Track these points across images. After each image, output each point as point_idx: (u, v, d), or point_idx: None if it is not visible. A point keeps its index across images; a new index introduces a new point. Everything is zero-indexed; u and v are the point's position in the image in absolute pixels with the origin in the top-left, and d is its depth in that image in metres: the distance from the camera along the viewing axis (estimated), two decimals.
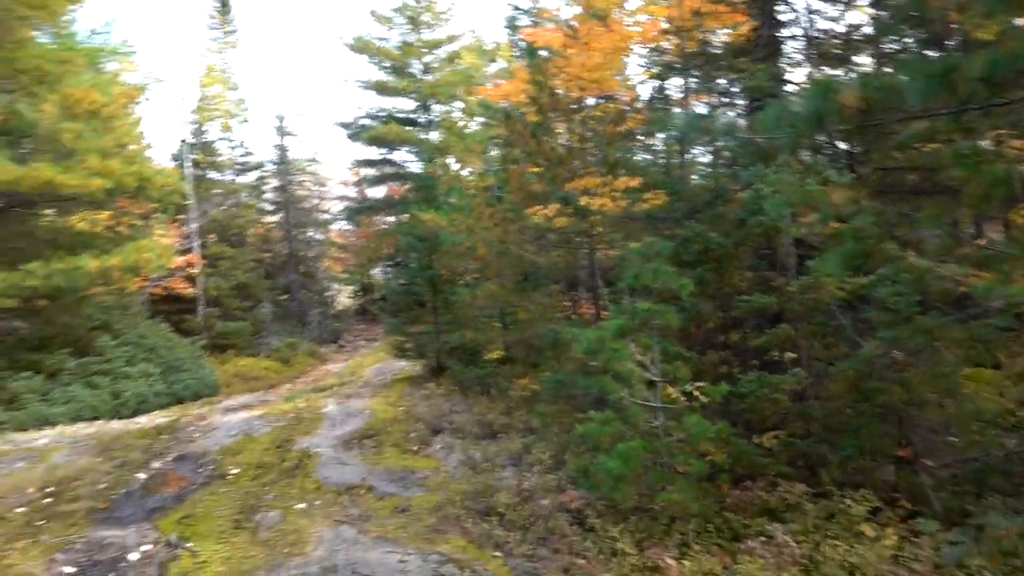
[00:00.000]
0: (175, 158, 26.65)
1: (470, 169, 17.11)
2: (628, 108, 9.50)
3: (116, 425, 12.59)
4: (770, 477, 6.16)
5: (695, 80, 9.47)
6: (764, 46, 8.95)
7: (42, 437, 11.39)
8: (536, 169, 9.61)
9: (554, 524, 6.21)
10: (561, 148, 9.17)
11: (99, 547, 6.59)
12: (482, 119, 18.12)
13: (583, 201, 8.40)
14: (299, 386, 18.58)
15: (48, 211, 16.63)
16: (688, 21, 8.77)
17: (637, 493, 5.87)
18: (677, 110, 10.14)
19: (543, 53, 9.52)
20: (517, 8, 29.20)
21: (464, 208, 10.90)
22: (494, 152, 15.52)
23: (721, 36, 10.33)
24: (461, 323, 13.53)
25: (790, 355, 6.66)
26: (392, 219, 35.08)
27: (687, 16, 8.71)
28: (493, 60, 27.08)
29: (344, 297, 36.55)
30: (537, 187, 9.55)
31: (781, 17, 9.50)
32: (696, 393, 5.78)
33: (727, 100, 12.09)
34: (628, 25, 9.77)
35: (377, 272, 39.29)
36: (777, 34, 9.01)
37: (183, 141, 26.03)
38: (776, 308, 6.55)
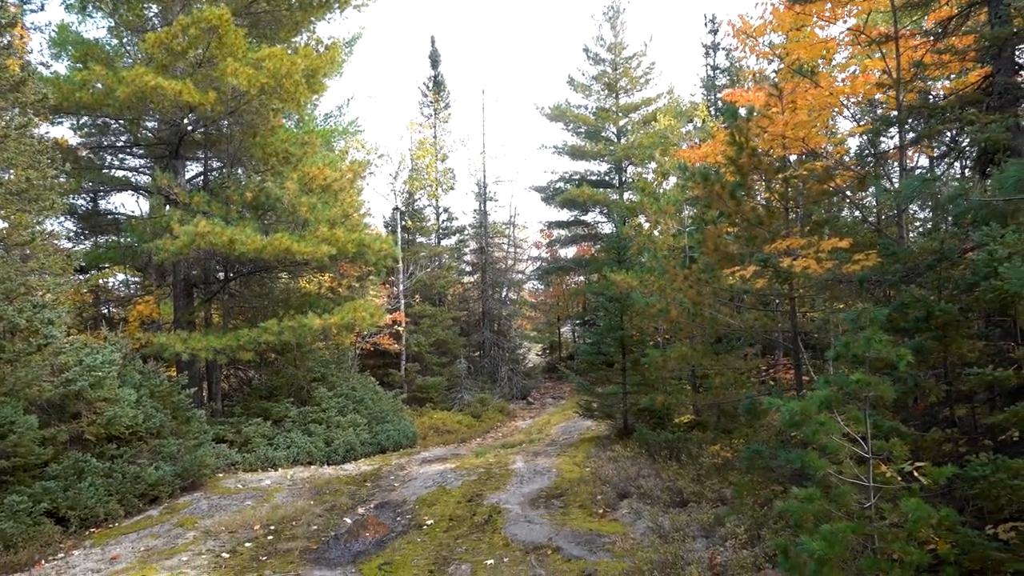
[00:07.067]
0: (387, 224, 29.21)
1: (661, 230, 16.98)
2: (835, 165, 8.99)
3: (328, 471, 13.73)
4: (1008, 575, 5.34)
5: (913, 133, 8.78)
6: (1000, 95, 8.11)
7: (266, 478, 12.71)
8: (733, 230, 9.35)
9: None
10: (761, 208, 8.85)
11: None
12: (676, 179, 18.02)
13: (784, 263, 8.02)
14: (489, 441, 19.11)
15: (282, 275, 18.85)
16: (907, 72, 8.20)
17: None
18: (893, 165, 9.44)
19: (743, 112, 9.35)
20: (715, 68, 29.14)
21: (656, 269, 10.82)
22: (688, 213, 15.32)
23: (944, 85, 9.55)
24: (650, 385, 13.29)
25: None
26: (582, 279, 35.67)
27: (906, 67, 8.16)
28: (690, 120, 26.97)
29: (533, 355, 37.32)
30: (734, 248, 9.27)
31: (1023, 60, 8.59)
32: (916, 474, 5.19)
33: (950, 152, 11.06)
34: (837, 80, 9.36)
35: (566, 331, 39.87)
36: (1017, 80, 8.14)
37: (395, 209, 28.48)
38: (1015, 383, 5.75)
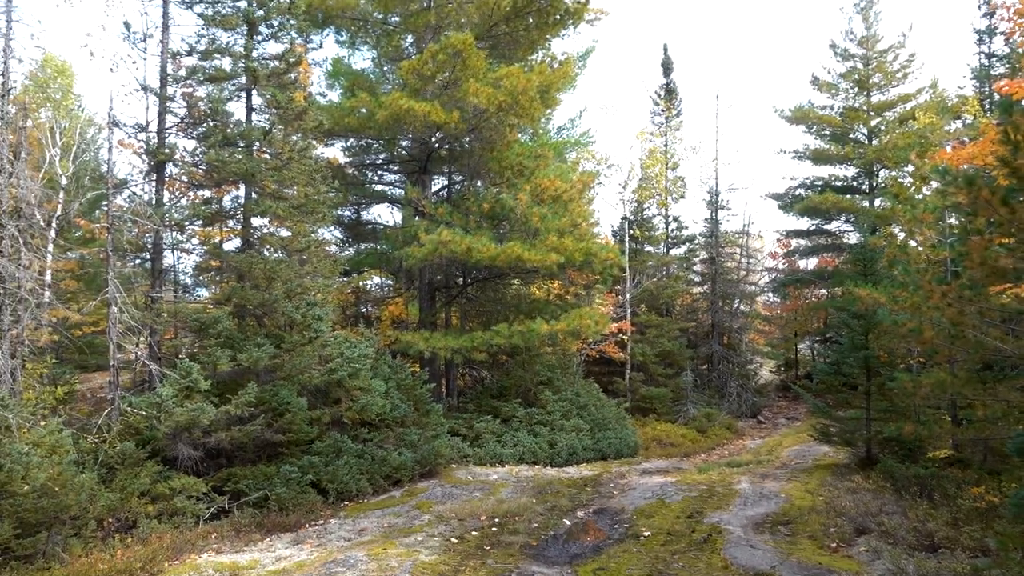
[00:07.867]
0: (615, 233, 29.40)
1: (918, 241, 15.17)
2: None
3: (550, 472, 14.20)
4: None
5: None
6: None
7: (493, 473, 13.48)
8: (1006, 241, 8.13)
9: None
10: None
11: None
12: (937, 184, 16.00)
13: None
14: (713, 458, 18.48)
15: (514, 281, 19.89)
16: None
17: None
18: None
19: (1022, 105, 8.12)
20: (990, 56, 25.47)
21: (909, 284, 9.74)
22: (952, 221, 13.57)
23: None
24: (898, 412, 12.02)
25: None
26: (824, 293, 33.07)
27: None
28: (957, 117, 23.87)
29: (766, 371, 35.30)
30: (1006, 262, 8.04)
31: None
32: None
33: None
34: None
35: (804, 348, 37.17)
36: None
37: (624, 218, 28.59)
38: None
